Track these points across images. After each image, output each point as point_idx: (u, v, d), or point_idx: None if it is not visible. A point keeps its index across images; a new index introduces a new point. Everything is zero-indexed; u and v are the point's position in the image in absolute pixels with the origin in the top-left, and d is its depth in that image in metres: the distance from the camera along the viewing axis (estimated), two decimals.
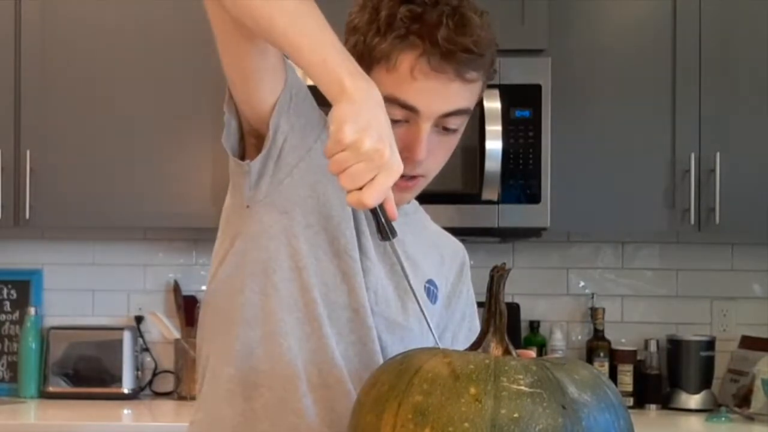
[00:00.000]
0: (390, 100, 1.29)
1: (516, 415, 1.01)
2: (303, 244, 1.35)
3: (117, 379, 3.30)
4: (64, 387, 3.30)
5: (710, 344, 3.30)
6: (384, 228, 1.17)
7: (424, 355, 1.12)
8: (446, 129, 1.37)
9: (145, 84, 3.14)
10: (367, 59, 1.33)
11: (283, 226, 1.36)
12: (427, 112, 1.33)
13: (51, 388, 3.30)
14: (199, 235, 3.41)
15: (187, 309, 3.39)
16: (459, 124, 1.38)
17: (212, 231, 3.16)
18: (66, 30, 3.14)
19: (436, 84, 1.31)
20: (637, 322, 3.44)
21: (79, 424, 2.86)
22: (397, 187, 1.32)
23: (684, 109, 3.11)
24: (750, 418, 3.04)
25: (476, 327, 1.53)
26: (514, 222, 3.03)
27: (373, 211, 1.15)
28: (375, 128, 1.10)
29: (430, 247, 1.53)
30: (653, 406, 3.28)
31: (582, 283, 3.47)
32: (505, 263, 1.23)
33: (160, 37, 3.14)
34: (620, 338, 3.40)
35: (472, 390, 1.03)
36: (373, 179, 1.10)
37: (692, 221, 3.09)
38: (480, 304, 1.34)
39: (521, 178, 3.02)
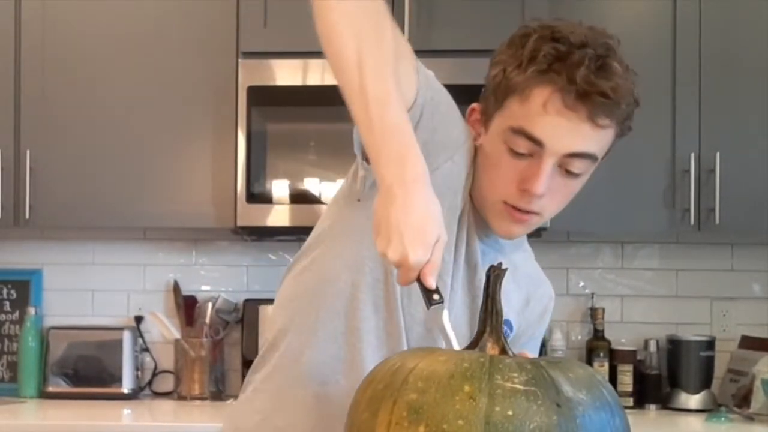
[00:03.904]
0: (518, 132, 1.34)
1: (510, 412, 1.01)
2: None
3: (117, 379, 3.30)
4: (64, 387, 3.30)
5: (710, 344, 3.29)
6: (424, 298, 1.23)
7: (420, 354, 1.12)
8: (569, 172, 1.37)
9: (145, 84, 3.14)
10: (503, 90, 1.35)
11: None
12: (553, 148, 1.33)
13: (51, 388, 3.30)
14: (199, 235, 3.41)
15: (187, 309, 3.38)
16: (583, 169, 1.38)
17: (212, 231, 3.20)
18: (66, 30, 3.14)
19: (566, 122, 1.32)
20: (637, 322, 3.44)
21: (78, 424, 2.86)
22: (510, 218, 1.40)
23: (684, 109, 3.10)
24: (750, 418, 3.04)
25: None
26: None
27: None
28: (396, 232, 1.15)
29: (517, 288, 1.54)
30: (653, 406, 3.28)
31: (582, 283, 3.47)
32: (501, 263, 1.23)
33: (160, 37, 3.14)
34: (620, 338, 3.40)
35: (467, 388, 1.03)
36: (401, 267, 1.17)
37: (692, 221, 3.09)
38: None
39: None
